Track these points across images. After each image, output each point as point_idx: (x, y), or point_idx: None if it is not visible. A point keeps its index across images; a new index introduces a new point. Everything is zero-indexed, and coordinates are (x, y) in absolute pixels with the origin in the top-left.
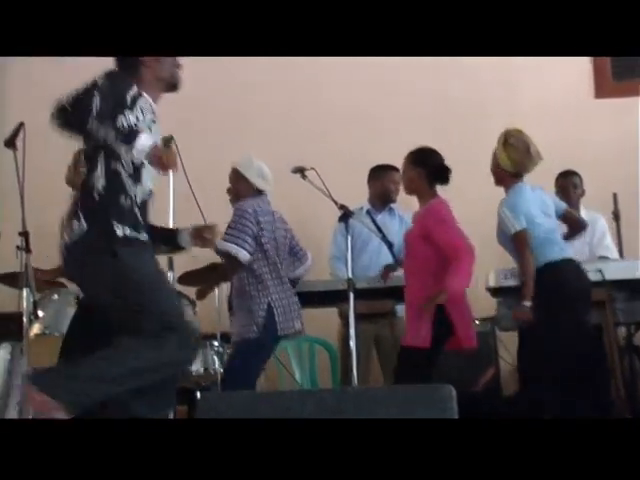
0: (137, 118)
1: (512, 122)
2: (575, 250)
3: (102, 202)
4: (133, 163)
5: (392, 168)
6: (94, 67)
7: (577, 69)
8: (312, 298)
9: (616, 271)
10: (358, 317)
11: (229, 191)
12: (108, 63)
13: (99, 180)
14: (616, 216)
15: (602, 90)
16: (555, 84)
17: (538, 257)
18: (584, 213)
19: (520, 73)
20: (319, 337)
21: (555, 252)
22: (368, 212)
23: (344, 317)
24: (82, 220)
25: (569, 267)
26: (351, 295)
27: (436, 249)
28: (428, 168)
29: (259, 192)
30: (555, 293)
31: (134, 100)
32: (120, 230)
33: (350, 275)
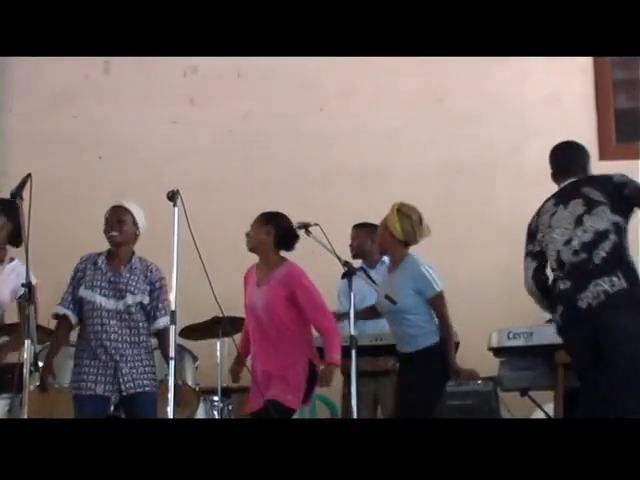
0: None
1: (517, 184)
2: None
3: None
4: None
5: (357, 225)
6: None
7: (581, 130)
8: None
9: None
10: (360, 375)
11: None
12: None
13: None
14: None
15: (606, 153)
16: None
17: (432, 335)
18: None
19: (526, 135)
20: (320, 393)
21: (438, 333)
22: (362, 268)
23: (346, 374)
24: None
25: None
26: (354, 352)
27: (298, 313)
28: (277, 230)
29: None
30: (442, 371)
31: None
32: None
33: (353, 332)
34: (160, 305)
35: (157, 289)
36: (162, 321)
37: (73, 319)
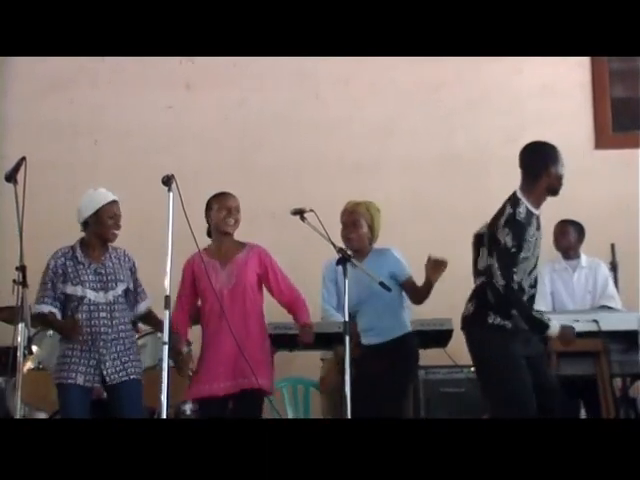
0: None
1: (512, 173)
2: (576, 299)
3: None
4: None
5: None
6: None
7: (577, 120)
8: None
9: (613, 322)
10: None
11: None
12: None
13: (498, 280)
14: (614, 267)
15: (602, 142)
16: (556, 135)
17: (402, 325)
18: (584, 259)
19: (522, 125)
20: (314, 380)
21: (409, 323)
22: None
23: (339, 360)
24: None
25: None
26: (347, 338)
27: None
28: None
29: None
30: (413, 362)
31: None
32: (491, 318)
33: (347, 318)
34: (139, 289)
35: (134, 273)
36: (145, 304)
37: (59, 315)
